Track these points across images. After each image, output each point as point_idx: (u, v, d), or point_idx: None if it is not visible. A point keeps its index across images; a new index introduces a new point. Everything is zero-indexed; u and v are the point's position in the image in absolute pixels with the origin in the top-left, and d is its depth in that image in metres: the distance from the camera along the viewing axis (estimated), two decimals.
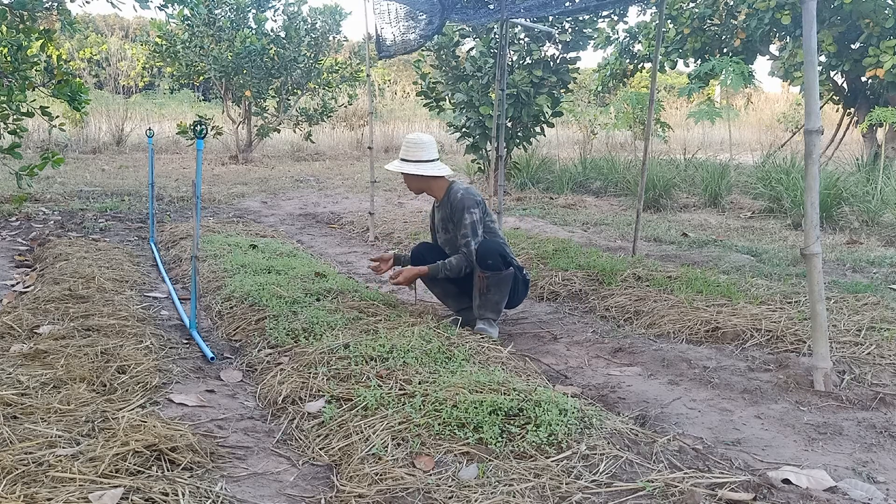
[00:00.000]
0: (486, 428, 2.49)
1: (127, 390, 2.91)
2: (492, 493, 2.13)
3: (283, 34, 13.83)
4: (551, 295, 4.79)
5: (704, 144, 16.86)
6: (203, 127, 3.73)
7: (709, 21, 11.83)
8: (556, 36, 9.91)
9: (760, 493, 2.14)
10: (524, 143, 10.60)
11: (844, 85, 11.68)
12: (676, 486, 2.14)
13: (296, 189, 10.62)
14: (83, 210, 7.85)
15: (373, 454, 2.38)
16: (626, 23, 12.65)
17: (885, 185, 7.99)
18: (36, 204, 8.04)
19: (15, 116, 5.57)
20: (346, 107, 15.72)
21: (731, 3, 11.51)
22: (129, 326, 3.66)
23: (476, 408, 2.60)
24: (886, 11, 9.64)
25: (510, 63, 10.09)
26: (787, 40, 11.46)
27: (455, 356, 3.21)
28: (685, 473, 2.24)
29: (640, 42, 13.04)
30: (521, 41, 10.11)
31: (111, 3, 5.85)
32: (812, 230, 3.04)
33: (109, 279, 4.59)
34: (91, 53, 22.46)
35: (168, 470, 2.30)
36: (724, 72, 10.23)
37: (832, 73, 11.39)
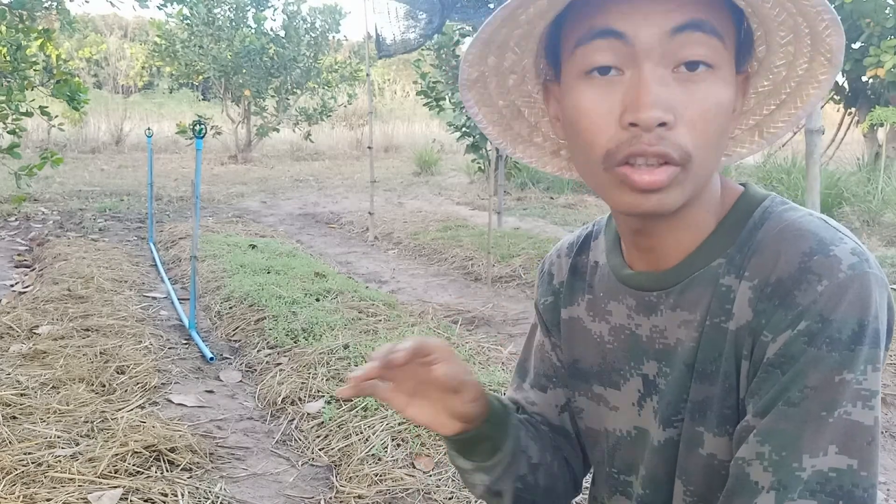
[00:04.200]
0: None
1: (126, 391, 2.91)
2: None
3: (282, 33, 13.82)
4: None
5: None
6: (202, 126, 3.73)
7: None
8: None
9: None
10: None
11: (845, 84, 11.68)
12: None
13: (295, 189, 10.61)
14: (82, 210, 7.85)
15: (372, 455, 2.37)
16: None
17: (885, 184, 7.99)
18: (35, 204, 8.03)
19: (14, 116, 5.56)
20: (345, 106, 15.70)
21: None
22: (128, 327, 3.65)
23: None
24: (887, 11, 9.64)
25: None
26: None
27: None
28: None
29: None
30: None
31: (110, 2, 5.85)
32: None
33: (108, 279, 4.58)
34: (90, 53, 22.48)
35: (167, 470, 2.29)
36: None
37: None
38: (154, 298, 4.50)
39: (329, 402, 2.78)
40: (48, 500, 2.04)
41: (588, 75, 0.69)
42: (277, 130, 14.60)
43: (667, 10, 0.65)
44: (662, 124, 0.65)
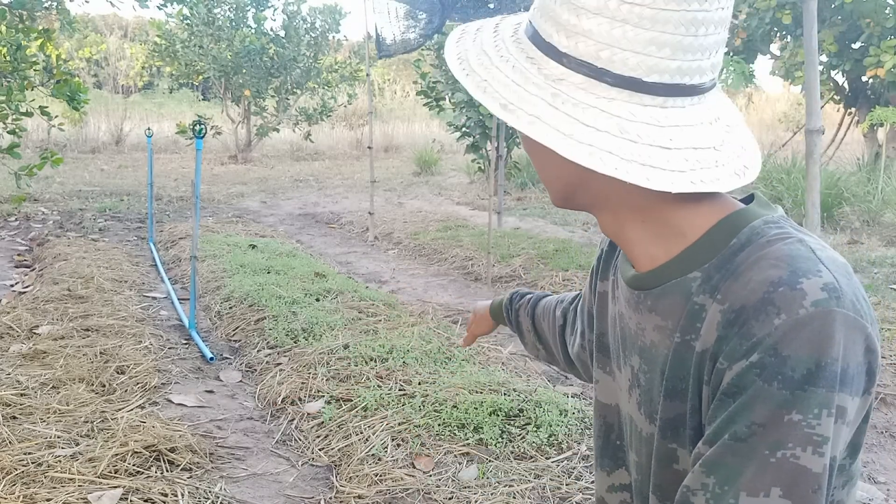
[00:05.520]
0: (486, 428, 2.49)
1: (126, 391, 2.91)
2: (492, 494, 2.13)
3: (282, 33, 13.82)
4: None
5: None
6: (202, 126, 3.73)
7: None
8: None
9: None
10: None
11: (845, 84, 11.68)
12: None
13: (295, 189, 10.61)
14: (82, 210, 7.85)
15: (372, 455, 2.37)
16: None
17: (885, 184, 7.99)
18: (35, 204, 8.03)
19: (14, 116, 5.56)
20: (345, 106, 15.70)
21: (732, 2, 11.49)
22: (128, 327, 3.65)
23: (476, 408, 2.59)
24: (887, 11, 9.64)
25: None
26: (788, 40, 11.46)
27: (455, 356, 3.20)
28: None
29: None
30: None
31: (110, 2, 5.85)
32: (813, 230, 3.03)
33: (108, 279, 4.58)
34: (90, 53, 22.47)
35: (167, 470, 2.29)
36: (724, 71, 10.22)
37: (833, 73, 11.39)
38: (154, 298, 4.50)
39: (329, 402, 2.78)
40: (48, 500, 2.04)
41: None
42: (277, 130, 14.60)
43: None
44: None
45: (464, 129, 10.50)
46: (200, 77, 14.40)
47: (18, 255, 5.65)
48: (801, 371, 0.61)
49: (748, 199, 0.77)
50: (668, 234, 0.74)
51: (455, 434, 2.48)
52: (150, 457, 2.33)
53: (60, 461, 2.24)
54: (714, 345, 0.68)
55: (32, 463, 2.22)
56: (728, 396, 0.65)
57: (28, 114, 5.68)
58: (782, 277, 0.64)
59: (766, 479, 0.62)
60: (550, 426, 2.49)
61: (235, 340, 3.75)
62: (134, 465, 2.26)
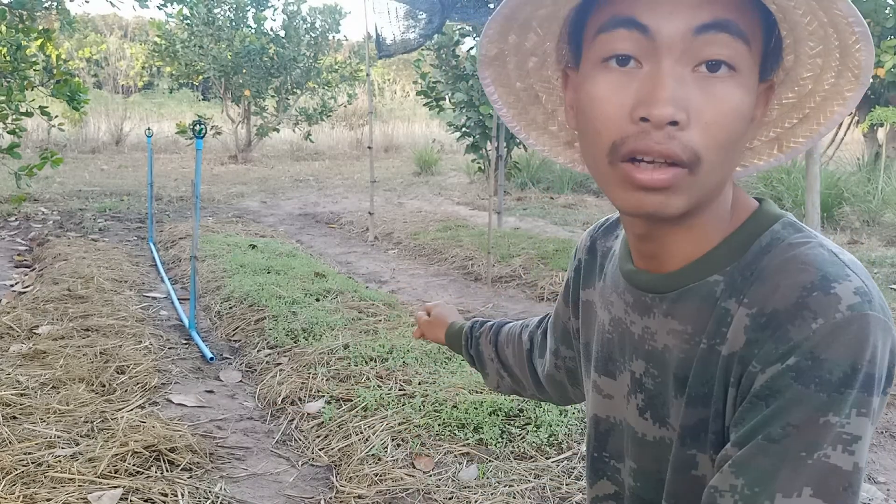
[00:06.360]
0: (486, 428, 2.49)
1: (126, 391, 2.91)
2: (492, 494, 2.13)
3: (282, 33, 13.83)
4: (552, 295, 4.79)
5: None
6: (202, 126, 3.73)
7: None
8: None
9: None
10: (524, 142, 10.59)
11: None
12: None
13: (295, 189, 10.60)
14: (82, 210, 7.85)
15: (372, 455, 2.37)
16: None
17: (885, 184, 7.99)
18: (35, 204, 8.02)
19: (14, 116, 5.56)
20: (345, 106, 15.71)
21: None
22: (128, 327, 3.65)
23: (476, 408, 2.59)
24: (887, 11, 9.64)
25: None
26: None
27: (455, 356, 3.21)
28: None
29: None
30: None
31: (110, 2, 5.85)
32: (812, 230, 3.04)
33: (108, 279, 4.58)
34: (90, 53, 22.48)
35: (167, 470, 2.29)
36: None
37: None
38: (154, 298, 4.50)
39: (329, 402, 2.78)
40: (48, 500, 2.04)
41: (606, 64, 0.67)
42: (277, 130, 14.60)
43: (693, 7, 0.64)
44: (674, 123, 0.63)
45: (464, 129, 10.49)
46: (200, 77, 14.40)
47: (18, 255, 5.64)
48: (838, 374, 0.62)
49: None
50: (715, 223, 0.73)
51: (455, 434, 2.49)
52: (150, 457, 2.33)
53: (60, 461, 2.24)
54: (742, 348, 0.68)
55: (32, 463, 2.22)
56: (760, 399, 0.65)
57: (28, 114, 5.68)
58: (814, 282, 0.64)
59: (800, 480, 0.62)
60: (550, 426, 2.49)
61: (235, 340, 3.75)
62: (134, 465, 2.26)
